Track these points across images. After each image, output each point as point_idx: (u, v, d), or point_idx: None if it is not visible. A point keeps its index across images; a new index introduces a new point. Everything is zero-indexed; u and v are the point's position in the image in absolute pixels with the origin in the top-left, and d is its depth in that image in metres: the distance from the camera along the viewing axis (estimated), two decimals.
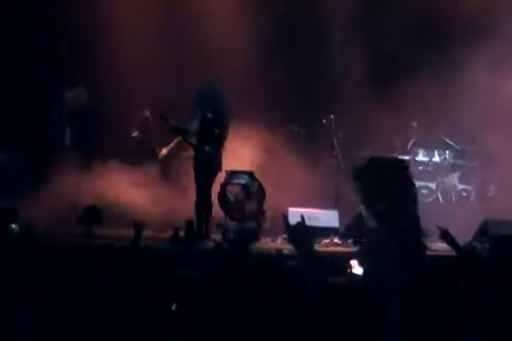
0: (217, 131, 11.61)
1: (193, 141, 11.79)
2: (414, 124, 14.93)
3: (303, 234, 3.13)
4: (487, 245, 11.72)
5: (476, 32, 13.97)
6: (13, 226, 7.92)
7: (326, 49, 15.85)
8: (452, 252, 10.86)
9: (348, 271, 4.92)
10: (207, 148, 11.70)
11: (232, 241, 5.92)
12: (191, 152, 11.89)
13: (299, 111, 14.76)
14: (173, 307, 4.33)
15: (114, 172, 12.98)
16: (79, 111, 14.52)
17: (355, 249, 11.10)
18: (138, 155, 13.51)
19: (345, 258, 6.63)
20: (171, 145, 13.83)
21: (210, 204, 11.82)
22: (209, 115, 11.67)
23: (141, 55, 14.33)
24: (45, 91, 14.64)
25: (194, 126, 11.72)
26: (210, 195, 11.80)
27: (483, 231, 12.28)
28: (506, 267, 4.88)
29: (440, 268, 3.70)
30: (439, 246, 11.78)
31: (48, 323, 3.51)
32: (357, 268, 4.82)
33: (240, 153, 13.61)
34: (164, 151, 13.89)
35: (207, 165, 11.67)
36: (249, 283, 4.42)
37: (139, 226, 6.46)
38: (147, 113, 13.83)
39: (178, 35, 14.60)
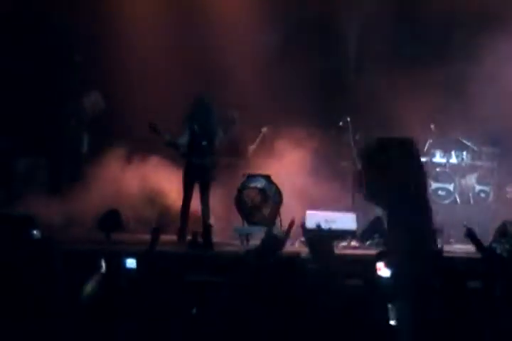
0: (204, 143, 12.06)
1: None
2: (432, 126, 14.86)
3: (321, 239, 3.10)
4: (507, 246, 11.67)
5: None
6: (35, 232, 7.93)
7: (340, 49, 15.87)
8: (465, 253, 10.86)
9: (375, 273, 4.89)
10: (194, 159, 12.11)
11: (262, 248, 5.91)
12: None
13: (314, 113, 14.73)
14: (193, 310, 4.33)
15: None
16: (97, 117, 14.59)
17: (377, 250, 11.05)
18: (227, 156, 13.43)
19: (366, 261, 6.62)
20: (258, 140, 13.96)
21: (207, 218, 11.94)
22: (196, 128, 12.09)
23: (154, 60, 14.36)
24: (62, 98, 14.70)
25: (184, 139, 12.12)
26: (207, 208, 12.20)
27: (503, 232, 12.22)
28: None
29: (452, 269, 3.67)
30: (456, 248, 11.77)
31: None
32: (384, 270, 4.78)
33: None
34: (253, 146, 14.01)
35: (196, 176, 12.13)
36: (275, 288, 4.42)
37: (156, 232, 6.48)
38: (235, 113, 13.82)
39: (192, 39, 14.63)
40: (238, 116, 13.86)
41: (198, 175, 12.13)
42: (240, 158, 13.75)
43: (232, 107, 13.80)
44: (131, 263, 5.90)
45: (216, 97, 12.85)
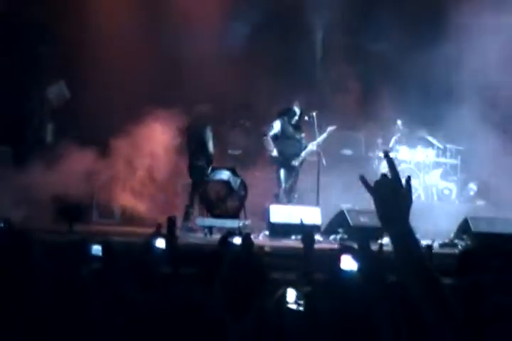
0: (200, 163, 13.13)
1: None
2: (399, 122, 14.92)
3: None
4: (468, 242, 11.76)
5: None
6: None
7: (307, 44, 15.89)
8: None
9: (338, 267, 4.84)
10: (197, 162, 13.19)
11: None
12: None
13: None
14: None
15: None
16: (62, 107, 14.48)
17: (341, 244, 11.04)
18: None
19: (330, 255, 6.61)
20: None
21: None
22: (193, 147, 13.19)
23: (122, 50, 14.26)
24: (27, 88, 14.57)
25: None
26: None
27: (464, 228, 12.32)
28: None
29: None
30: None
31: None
32: (350, 264, 4.73)
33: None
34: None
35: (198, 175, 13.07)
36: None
37: (171, 221, 6.70)
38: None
39: (158, 28, 14.55)
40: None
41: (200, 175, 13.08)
42: None
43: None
44: (96, 250, 5.89)
45: (182, 88, 12.83)
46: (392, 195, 2.66)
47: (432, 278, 2.60)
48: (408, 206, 2.66)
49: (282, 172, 13.28)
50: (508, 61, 13.94)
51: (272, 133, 13.36)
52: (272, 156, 13.35)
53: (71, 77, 14.57)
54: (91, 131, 13.42)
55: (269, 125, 13.50)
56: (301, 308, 3.62)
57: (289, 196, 13.26)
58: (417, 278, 2.60)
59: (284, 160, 13.31)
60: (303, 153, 13.44)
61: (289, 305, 3.70)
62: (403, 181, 2.67)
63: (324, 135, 13.60)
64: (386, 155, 2.74)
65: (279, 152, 13.28)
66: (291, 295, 3.73)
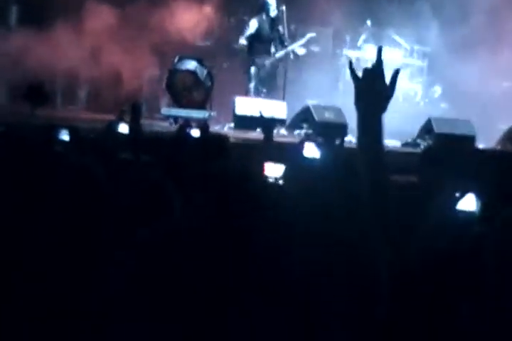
0: None
1: None
2: (368, 22, 14.80)
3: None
4: (430, 142, 11.91)
5: None
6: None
7: None
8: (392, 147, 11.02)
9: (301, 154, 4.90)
10: None
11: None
12: None
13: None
14: None
15: None
16: None
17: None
18: None
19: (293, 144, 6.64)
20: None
21: None
22: None
23: None
24: None
25: None
26: None
27: (428, 129, 12.47)
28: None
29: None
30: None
31: None
32: (313, 151, 4.80)
33: None
34: None
35: None
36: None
37: (136, 108, 6.69)
38: None
39: None
40: None
41: None
42: None
43: None
44: (64, 134, 5.94)
45: None
46: (375, 85, 2.69)
47: (382, 179, 2.66)
48: (388, 99, 2.70)
49: (253, 69, 13.22)
50: None
51: (247, 33, 13.17)
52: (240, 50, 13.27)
53: None
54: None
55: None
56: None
57: (258, 91, 13.24)
58: (368, 174, 2.66)
59: (255, 59, 13.25)
60: (277, 54, 13.39)
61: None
62: (390, 73, 2.70)
63: (302, 41, 13.54)
64: (379, 50, 2.76)
65: (251, 53, 13.20)
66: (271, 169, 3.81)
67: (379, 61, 2.71)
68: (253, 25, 13.19)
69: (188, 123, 9.10)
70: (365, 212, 2.69)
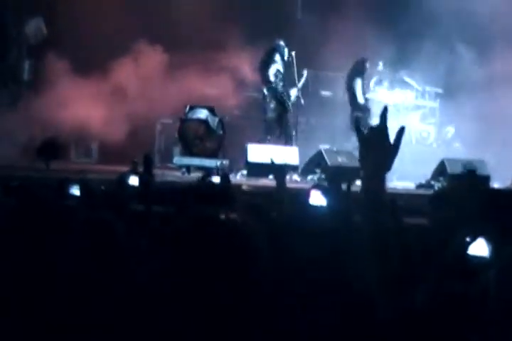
0: None
1: None
2: (380, 63, 14.86)
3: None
4: (444, 183, 11.88)
5: None
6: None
7: None
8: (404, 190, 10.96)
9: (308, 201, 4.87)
10: None
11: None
12: None
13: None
14: None
15: None
16: (39, 44, 14.28)
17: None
18: None
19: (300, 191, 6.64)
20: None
21: None
22: None
23: None
24: (4, 25, 14.33)
25: None
26: None
27: (441, 170, 12.45)
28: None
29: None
30: (396, 185, 11.92)
31: None
32: (319, 199, 4.76)
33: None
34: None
35: None
36: None
37: (148, 159, 6.78)
38: None
39: None
40: None
41: None
42: None
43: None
44: (75, 189, 5.97)
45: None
46: (380, 144, 2.71)
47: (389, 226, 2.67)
48: (393, 157, 2.72)
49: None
50: None
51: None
52: None
53: (49, 14, 14.37)
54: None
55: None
56: None
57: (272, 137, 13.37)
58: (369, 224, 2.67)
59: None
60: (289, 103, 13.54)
61: None
62: (395, 132, 2.71)
63: (302, 79, 13.64)
64: (384, 109, 2.77)
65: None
66: None
67: (383, 119, 2.72)
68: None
69: (209, 173, 9.26)
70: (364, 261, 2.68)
